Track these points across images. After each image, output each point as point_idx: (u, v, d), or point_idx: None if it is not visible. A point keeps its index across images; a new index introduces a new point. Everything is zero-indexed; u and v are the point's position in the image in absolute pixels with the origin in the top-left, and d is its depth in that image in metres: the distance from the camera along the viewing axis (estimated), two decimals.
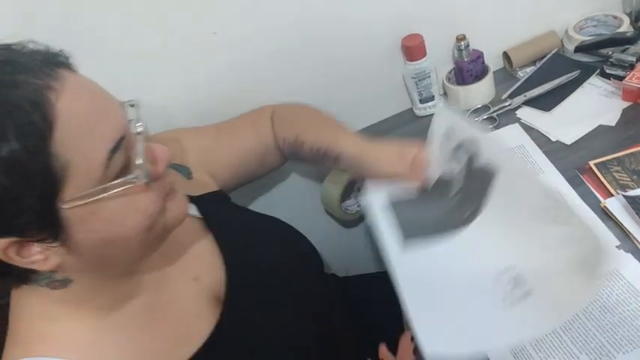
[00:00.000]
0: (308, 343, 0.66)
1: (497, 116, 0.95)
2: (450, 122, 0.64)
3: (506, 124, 0.94)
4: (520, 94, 0.96)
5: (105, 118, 0.45)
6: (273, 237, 0.75)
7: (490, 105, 0.98)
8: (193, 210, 0.68)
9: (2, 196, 0.39)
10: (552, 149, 0.86)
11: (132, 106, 0.49)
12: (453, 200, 0.64)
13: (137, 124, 0.48)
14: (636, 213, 0.69)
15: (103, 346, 0.52)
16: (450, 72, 1.02)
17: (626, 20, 0.98)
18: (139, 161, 0.46)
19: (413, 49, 0.94)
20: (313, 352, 0.66)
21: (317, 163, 0.78)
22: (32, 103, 0.40)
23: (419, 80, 0.97)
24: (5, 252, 0.42)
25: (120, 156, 0.45)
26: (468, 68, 0.97)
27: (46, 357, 0.49)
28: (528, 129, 0.91)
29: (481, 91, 0.98)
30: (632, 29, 0.97)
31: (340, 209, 1.02)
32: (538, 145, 0.87)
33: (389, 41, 0.97)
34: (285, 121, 0.83)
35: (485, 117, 0.96)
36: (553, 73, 0.97)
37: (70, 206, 0.43)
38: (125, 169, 0.46)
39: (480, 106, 0.99)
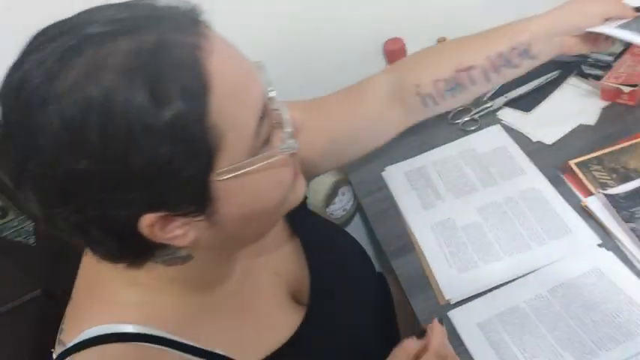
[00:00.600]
0: (377, 347, 0.65)
1: (479, 118, 0.96)
2: None
3: (488, 126, 0.94)
4: (501, 95, 0.97)
5: (251, 83, 0.43)
6: (344, 242, 0.75)
7: (471, 107, 0.98)
8: None
9: (163, 168, 0.37)
10: (533, 150, 0.87)
11: (258, 68, 0.45)
12: None
13: (269, 89, 0.45)
14: (616, 211, 0.69)
15: (198, 324, 0.51)
16: None
17: None
18: (289, 129, 0.44)
19: (395, 53, 0.95)
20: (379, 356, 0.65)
21: (491, 79, 0.72)
22: (188, 64, 0.37)
23: None
24: (151, 228, 0.40)
25: (265, 124, 0.43)
26: None
27: (144, 324, 0.47)
28: (509, 130, 0.92)
29: None
30: None
31: (325, 214, 1.02)
32: (519, 146, 0.88)
33: (371, 46, 0.97)
34: (428, 62, 0.74)
35: (466, 119, 0.96)
36: (533, 74, 0.98)
37: (222, 178, 0.40)
38: (268, 138, 0.44)
39: (461, 108, 0.99)
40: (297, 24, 0.90)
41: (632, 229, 0.67)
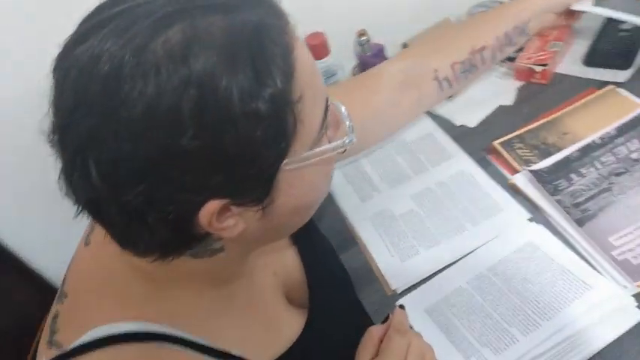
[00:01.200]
0: None
1: None
2: None
3: None
4: None
5: (319, 76, 0.43)
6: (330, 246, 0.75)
7: None
8: None
9: (254, 151, 0.36)
10: (458, 133, 0.89)
11: None
12: None
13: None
14: (542, 186, 0.73)
15: (213, 320, 0.49)
16: (354, 67, 1.03)
17: None
18: (349, 123, 0.45)
19: (316, 47, 0.94)
20: None
21: (496, 58, 0.80)
22: (283, 47, 0.37)
23: (327, 78, 0.97)
24: (210, 217, 0.37)
25: (327, 118, 0.43)
26: (371, 62, 0.98)
27: (160, 322, 0.44)
28: (434, 116, 0.94)
29: None
30: None
31: None
32: (445, 131, 0.90)
33: None
34: (442, 45, 0.79)
35: None
36: None
37: (288, 167, 0.39)
38: (325, 131, 0.43)
39: None
40: None
41: (558, 201, 0.70)
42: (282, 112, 0.37)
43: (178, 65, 0.33)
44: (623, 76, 0.85)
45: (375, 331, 0.56)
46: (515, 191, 0.76)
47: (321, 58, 0.95)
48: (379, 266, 0.73)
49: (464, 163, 0.83)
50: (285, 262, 0.65)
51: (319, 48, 0.94)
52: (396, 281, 0.71)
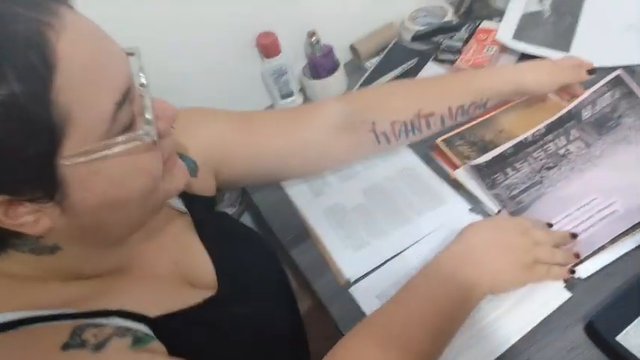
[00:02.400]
0: (285, 334, 0.67)
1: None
2: None
3: None
4: (371, 83, 1.04)
5: (111, 66, 0.41)
6: (248, 239, 0.74)
7: None
8: (179, 204, 0.65)
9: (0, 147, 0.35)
10: None
11: (131, 54, 0.44)
12: None
13: (140, 75, 0.44)
14: (481, 179, 0.79)
15: (94, 302, 0.48)
16: (304, 67, 1.06)
17: (450, 10, 1.11)
18: (148, 116, 0.43)
19: (268, 46, 0.97)
20: (290, 342, 0.68)
21: (447, 123, 0.77)
22: (31, 41, 0.35)
23: (277, 77, 1.00)
24: None
25: (126, 109, 0.42)
26: (321, 63, 1.02)
27: (25, 309, 0.44)
28: None
29: (335, 84, 1.04)
30: (455, 18, 1.11)
31: None
32: None
33: (244, 40, 0.98)
34: (390, 102, 0.75)
35: None
36: (396, 62, 1.07)
37: (70, 162, 0.39)
38: (130, 124, 0.42)
39: None
40: (164, 28, 0.87)
41: (495, 195, 0.76)
42: (29, 107, 0.35)
43: None
44: None
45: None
46: (456, 185, 0.82)
47: (272, 57, 0.98)
48: (332, 257, 0.77)
49: (409, 159, 0.88)
50: (187, 252, 0.64)
51: (270, 47, 0.97)
52: (349, 271, 0.74)
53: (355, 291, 0.72)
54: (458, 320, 0.59)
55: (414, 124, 0.74)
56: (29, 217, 0.40)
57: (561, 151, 0.79)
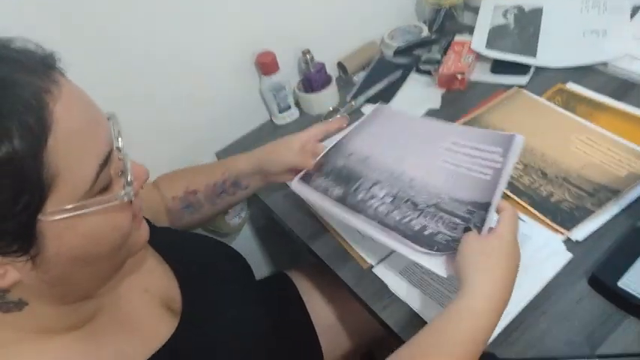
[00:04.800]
0: (260, 338, 0.70)
1: (348, 116, 1.10)
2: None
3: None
4: (361, 95, 1.13)
5: (97, 131, 0.44)
6: (206, 245, 0.78)
7: (339, 107, 1.12)
8: None
9: None
10: None
11: (108, 119, 0.47)
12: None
13: (118, 139, 0.47)
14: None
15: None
16: (298, 82, 1.14)
17: (425, 28, 1.22)
18: (129, 178, 0.46)
19: (268, 64, 1.04)
20: (266, 347, 0.70)
21: (216, 202, 0.86)
22: (31, 104, 0.38)
23: (276, 92, 1.07)
24: None
25: (106, 172, 0.44)
26: (315, 78, 1.10)
27: None
28: None
29: (329, 97, 1.13)
30: (430, 34, 1.22)
31: (224, 222, 1.06)
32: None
33: (242, 59, 1.05)
34: (170, 181, 0.88)
35: (337, 117, 1.10)
36: (381, 75, 1.16)
37: (50, 219, 0.40)
38: (107, 185, 0.45)
39: (331, 109, 1.13)
40: (167, 44, 0.94)
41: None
42: (25, 166, 0.38)
43: None
44: (523, 80, 1.05)
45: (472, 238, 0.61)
46: None
47: (271, 74, 1.05)
48: (353, 246, 0.83)
49: None
50: (155, 276, 0.65)
51: (270, 65, 1.04)
52: (370, 256, 0.80)
53: (379, 271, 0.78)
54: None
55: (188, 200, 0.86)
56: None
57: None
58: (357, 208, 0.74)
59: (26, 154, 0.38)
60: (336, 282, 0.81)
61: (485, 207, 0.67)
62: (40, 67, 0.41)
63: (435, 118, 0.91)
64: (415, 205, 0.72)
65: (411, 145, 0.81)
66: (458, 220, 0.68)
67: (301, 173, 0.82)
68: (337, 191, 0.78)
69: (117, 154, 0.47)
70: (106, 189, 0.45)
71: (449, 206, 0.70)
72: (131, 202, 0.47)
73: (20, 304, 0.45)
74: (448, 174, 0.75)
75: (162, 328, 0.58)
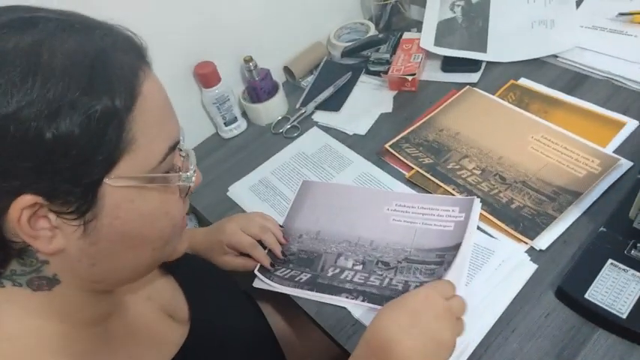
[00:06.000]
0: (264, 347, 0.72)
1: (298, 124, 1.05)
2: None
3: (307, 129, 1.04)
4: (310, 101, 1.07)
5: (171, 118, 0.48)
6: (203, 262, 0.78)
7: (289, 116, 1.07)
8: None
9: (69, 145, 0.38)
10: (352, 142, 0.98)
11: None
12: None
13: (182, 141, 0.50)
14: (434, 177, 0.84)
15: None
16: (243, 92, 1.08)
17: (372, 25, 1.18)
18: (192, 167, 0.49)
19: (208, 76, 0.97)
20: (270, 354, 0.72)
21: None
22: (130, 72, 0.42)
23: (220, 104, 1.01)
24: (21, 213, 0.38)
25: (172, 157, 0.47)
26: (260, 86, 1.04)
27: None
28: (327, 129, 1.02)
29: (277, 105, 1.07)
30: (377, 32, 1.18)
31: None
32: (340, 141, 0.99)
33: (180, 72, 0.97)
34: None
35: (288, 127, 1.04)
36: (330, 78, 1.11)
37: (115, 184, 0.42)
38: (169, 171, 0.47)
39: (280, 118, 1.07)
40: None
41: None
42: (110, 124, 0.40)
43: (25, 48, 0.38)
44: (475, 77, 1.02)
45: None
46: (411, 184, 0.87)
47: (212, 86, 0.98)
48: None
49: (364, 166, 0.92)
50: (157, 283, 0.66)
51: (210, 76, 0.97)
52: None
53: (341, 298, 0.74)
54: None
55: None
56: (46, 232, 0.41)
57: None
58: (333, 288, 0.73)
59: (114, 114, 0.40)
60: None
61: (455, 248, 0.69)
62: (138, 50, 0.46)
63: (363, 187, 0.88)
64: (387, 264, 0.73)
65: (355, 211, 0.83)
66: (432, 266, 0.70)
67: (257, 268, 0.78)
68: (304, 276, 0.76)
69: (178, 149, 0.50)
70: (166, 173, 0.47)
71: (419, 257, 0.73)
72: (188, 191, 0.50)
73: (53, 282, 0.45)
74: (405, 230, 0.78)
75: (170, 336, 0.59)
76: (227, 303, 0.73)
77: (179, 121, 0.49)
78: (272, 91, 1.06)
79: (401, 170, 0.90)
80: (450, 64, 1.06)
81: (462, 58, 1.04)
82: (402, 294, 0.61)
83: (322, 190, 0.88)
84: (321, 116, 1.06)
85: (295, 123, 1.05)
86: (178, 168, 0.50)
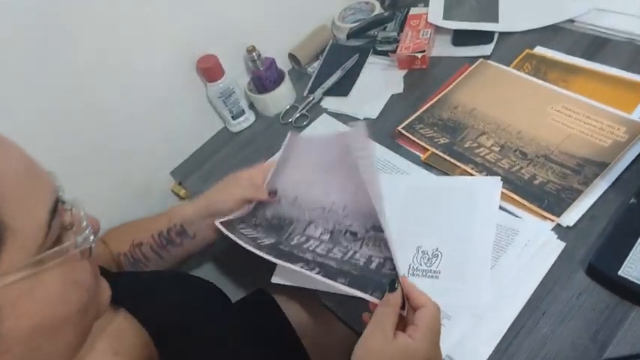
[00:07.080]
0: None
1: (307, 112, 1.02)
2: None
3: (317, 117, 1.01)
4: (318, 88, 1.04)
5: (39, 179, 0.41)
6: (174, 285, 0.71)
7: (297, 104, 1.04)
8: None
9: None
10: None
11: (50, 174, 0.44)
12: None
13: (61, 193, 0.43)
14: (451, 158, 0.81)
15: None
16: (249, 83, 1.05)
17: (377, 4, 1.13)
18: (84, 223, 0.43)
19: (211, 69, 0.94)
20: None
21: (163, 256, 0.79)
22: None
23: (226, 98, 0.98)
24: None
25: (58, 218, 0.40)
26: (265, 76, 1.01)
27: None
28: (337, 115, 0.99)
29: (285, 94, 1.04)
30: (383, 10, 1.13)
31: None
32: (351, 127, 0.96)
33: (184, 68, 0.95)
34: (117, 235, 0.83)
35: (297, 115, 1.01)
36: (337, 62, 1.08)
37: (5, 282, 0.35)
38: (58, 239, 0.41)
39: (288, 107, 1.04)
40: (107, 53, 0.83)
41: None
42: None
43: None
44: (488, 49, 0.97)
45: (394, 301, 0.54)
46: (428, 165, 0.84)
47: (216, 80, 0.96)
48: None
49: (377, 151, 0.89)
50: (122, 335, 0.60)
51: (213, 70, 0.95)
52: None
53: None
54: None
55: (133, 254, 0.80)
56: None
57: None
58: (292, 256, 0.68)
59: None
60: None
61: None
62: None
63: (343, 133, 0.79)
64: (354, 234, 0.68)
65: (333, 170, 0.75)
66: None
67: (223, 219, 0.76)
68: (267, 240, 0.72)
69: (61, 206, 0.43)
70: (57, 244, 0.40)
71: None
72: (90, 250, 0.43)
73: None
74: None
75: None
76: (206, 342, 0.65)
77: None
78: (278, 79, 1.03)
79: (416, 152, 0.87)
80: (461, 38, 1.01)
81: (473, 30, 0.99)
82: (361, 269, 0.61)
83: (305, 147, 0.80)
84: (330, 102, 1.03)
85: (304, 111, 1.02)
86: (70, 225, 0.43)
